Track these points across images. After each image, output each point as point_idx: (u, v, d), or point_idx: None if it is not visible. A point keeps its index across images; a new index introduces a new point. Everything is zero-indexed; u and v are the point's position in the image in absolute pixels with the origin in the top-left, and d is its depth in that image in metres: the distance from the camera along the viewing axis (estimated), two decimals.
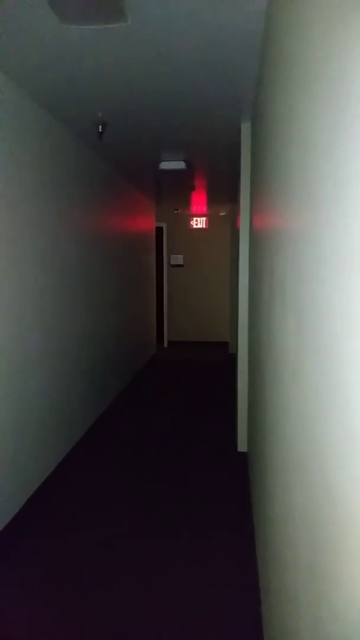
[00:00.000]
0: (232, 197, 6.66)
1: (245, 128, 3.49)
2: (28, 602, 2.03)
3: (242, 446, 3.69)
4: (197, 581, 2.16)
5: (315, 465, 0.85)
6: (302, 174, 1.02)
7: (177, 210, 8.34)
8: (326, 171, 0.77)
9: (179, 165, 4.65)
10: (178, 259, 8.98)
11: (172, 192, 6.60)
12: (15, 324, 2.73)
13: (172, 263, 8.98)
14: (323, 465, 0.79)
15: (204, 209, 8.41)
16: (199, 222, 8.94)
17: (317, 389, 0.84)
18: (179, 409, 4.84)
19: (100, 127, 3.29)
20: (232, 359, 7.20)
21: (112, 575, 2.20)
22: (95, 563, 2.29)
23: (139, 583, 2.15)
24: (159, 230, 8.75)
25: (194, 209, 8.36)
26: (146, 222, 7.11)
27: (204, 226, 8.94)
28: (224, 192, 6.64)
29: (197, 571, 2.23)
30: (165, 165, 4.67)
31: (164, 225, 8.80)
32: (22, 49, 2.30)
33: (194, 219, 8.93)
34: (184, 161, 4.63)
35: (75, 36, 2.18)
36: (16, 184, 2.71)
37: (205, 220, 8.92)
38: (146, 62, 2.46)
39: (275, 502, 1.51)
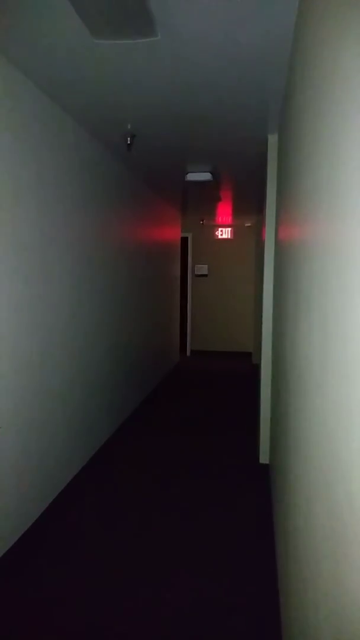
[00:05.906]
0: (258, 208, 6.66)
1: (272, 140, 3.50)
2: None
3: (264, 458, 3.65)
4: (214, 596, 2.15)
5: (339, 479, 0.85)
6: (328, 187, 1.02)
7: (202, 221, 8.39)
8: (353, 184, 0.78)
9: (205, 176, 4.68)
10: (203, 269, 9.01)
11: (198, 203, 6.65)
12: (40, 329, 2.79)
13: (196, 273, 9.01)
14: (346, 479, 0.78)
15: (229, 219, 8.43)
16: (224, 233, 8.96)
17: (341, 402, 0.84)
18: (201, 418, 4.82)
19: (128, 138, 3.35)
20: (255, 370, 7.15)
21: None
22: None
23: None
24: (184, 241, 8.81)
25: (219, 219, 8.39)
26: (172, 233, 7.17)
27: (229, 237, 8.95)
28: (250, 203, 6.65)
29: (217, 591, 2.22)
30: (191, 176, 4.72)
31: (190, 236, 8.86)
32: (54, 62, 2.38)
33: (219, 229, 8.95)
34: (210, 172, 4.67)
35: (106, 49, 2.24)
36: (51, 195, 2.79)
37: (231, 230, 8.94)
38: (175, 76, 2.51)
39: (297, 515, 1.50)
